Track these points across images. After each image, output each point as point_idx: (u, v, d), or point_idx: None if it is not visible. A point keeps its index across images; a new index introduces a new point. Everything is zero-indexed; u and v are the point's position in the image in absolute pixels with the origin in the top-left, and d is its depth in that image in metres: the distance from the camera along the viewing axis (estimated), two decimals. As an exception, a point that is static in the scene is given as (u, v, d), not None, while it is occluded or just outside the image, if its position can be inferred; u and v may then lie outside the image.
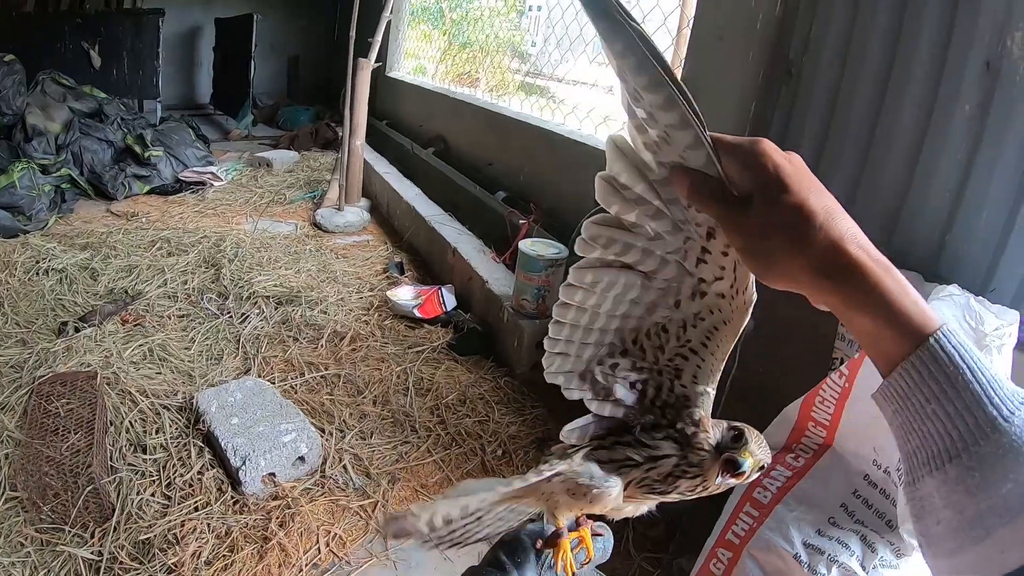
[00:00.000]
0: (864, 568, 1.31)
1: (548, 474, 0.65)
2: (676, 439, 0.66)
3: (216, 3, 8.06)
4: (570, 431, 0.72)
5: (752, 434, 0.66)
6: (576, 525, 0.78)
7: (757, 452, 0.65)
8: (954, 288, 1.27)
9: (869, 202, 1.83)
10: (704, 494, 0.67)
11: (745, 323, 0.66)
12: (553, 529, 0.75)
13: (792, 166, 0.55)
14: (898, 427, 0.50)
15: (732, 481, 0.64)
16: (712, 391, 0.69)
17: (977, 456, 0.43)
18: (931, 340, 0.46)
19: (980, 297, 1.25)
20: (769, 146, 0.55)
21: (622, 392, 0.70)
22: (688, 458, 0.65)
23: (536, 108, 4.06)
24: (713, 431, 0.66)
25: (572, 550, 0.75)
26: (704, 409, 0.68)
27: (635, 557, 1.91)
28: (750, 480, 0.67)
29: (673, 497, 0.68)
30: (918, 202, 1.68)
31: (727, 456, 0.64)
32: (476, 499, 0.64)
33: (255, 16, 6.98)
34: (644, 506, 0.74)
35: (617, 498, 0.67)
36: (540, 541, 0.75)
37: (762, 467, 0.66)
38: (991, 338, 1.18)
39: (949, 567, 0.46)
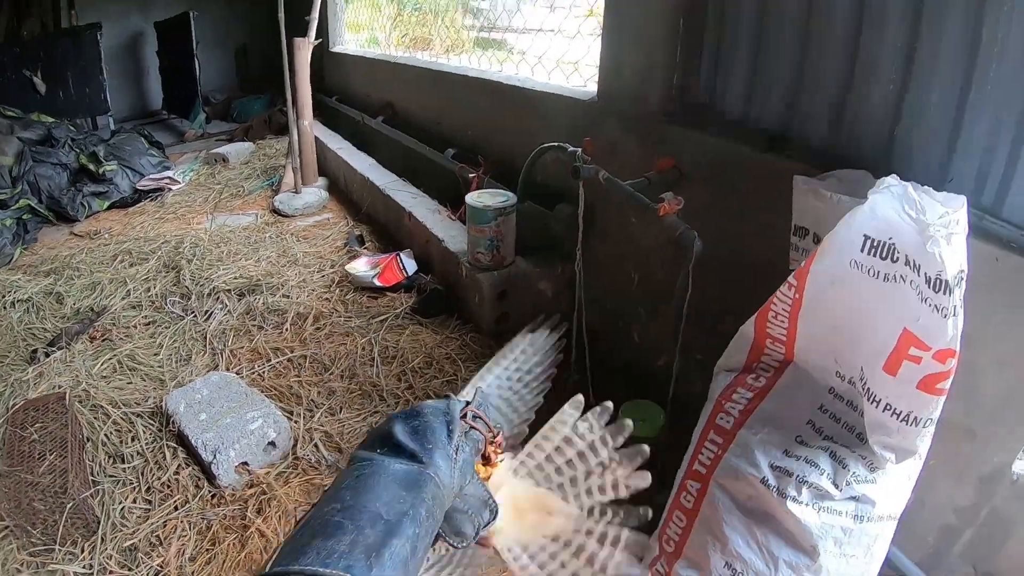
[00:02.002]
0: (836, 486, 1.24)
1: None
2: None
3: (154, 7, 7.76)
4: None
5: None
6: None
7: None
8: (892, 179, 1.16)
9: (812, 102, 1.74)
10: None
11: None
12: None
13: None
14: None
15: None
16: None
17: None
18: None
19: (924, 188, 1.15)
20: None
21: None
22: None
23: (475, 60, 3.95)
24: None
25: None
26: None
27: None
28: None
29: None
30: (862, 94, 1.59)
31: None
32: None
33: (191, 13, 6.78)
34: None
35: None
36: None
37: None
38: (936, 228, 1.06)
39: None
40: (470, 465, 0.80)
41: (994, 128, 1.35)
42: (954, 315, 1.07)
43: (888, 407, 1.18)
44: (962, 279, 1.07)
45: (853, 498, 1.25)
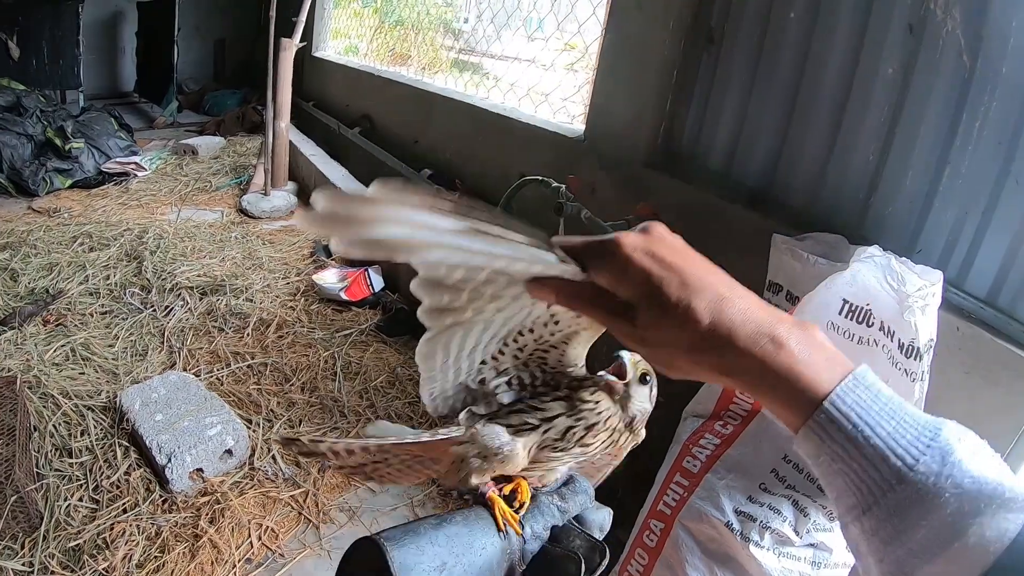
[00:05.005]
0: (797, 532, 1.27)
1: (447, 435, 0.66)
2: (562, 398, 0.66)
3: (138, -14, 7.54)
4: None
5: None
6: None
7: (635, 355, 0.65)
8: (875, 249, 1.22)
9: (793, 166, 1.79)
10: (618, 446, 0.67)
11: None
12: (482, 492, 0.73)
13: (660, 265, 0.48)
14: (819, 476, 0.48)
15: (615, 381, 0.64)
16: (582, 365, 0.68)
17: (886, 508, 0.43)
18: (825, 404, 0.45)
19: (903, 258, 1.21)
20: (629, 249, 0.48)
21: (505, 397, 0.69)
22: (577, 410, 0.65)
23: (462, 84, 3.95)
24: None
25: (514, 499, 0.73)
26: (579, 371, 0.68)
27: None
28: (644, 403, 0.67)
29: (587, 453, 0.67)
30: (842, 165, 1.65)
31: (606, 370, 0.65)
32: (378, 440, 0.65)
33: (177, -1, 6.63)
34: (558, 469, 0.73)
35: (522, 458, 0.66)
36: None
37: (646, 374, 0.66)
38: (914, 299, 1.13)
39: None
40: None
41: (962, 211, 1.42)
42: (921, 380, 1.14)
43: None
44: (931, 347, 1.14)
45: (812, 545, 1.29)
